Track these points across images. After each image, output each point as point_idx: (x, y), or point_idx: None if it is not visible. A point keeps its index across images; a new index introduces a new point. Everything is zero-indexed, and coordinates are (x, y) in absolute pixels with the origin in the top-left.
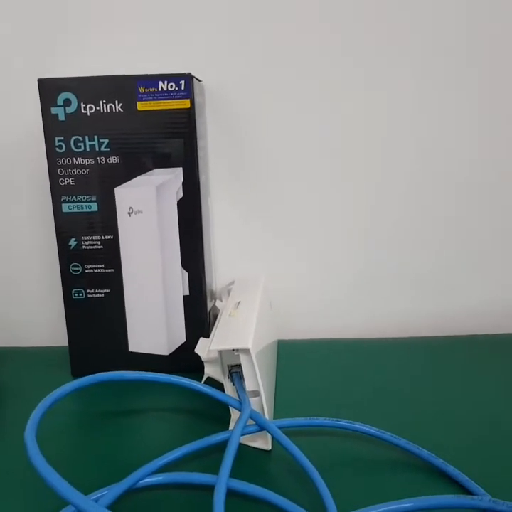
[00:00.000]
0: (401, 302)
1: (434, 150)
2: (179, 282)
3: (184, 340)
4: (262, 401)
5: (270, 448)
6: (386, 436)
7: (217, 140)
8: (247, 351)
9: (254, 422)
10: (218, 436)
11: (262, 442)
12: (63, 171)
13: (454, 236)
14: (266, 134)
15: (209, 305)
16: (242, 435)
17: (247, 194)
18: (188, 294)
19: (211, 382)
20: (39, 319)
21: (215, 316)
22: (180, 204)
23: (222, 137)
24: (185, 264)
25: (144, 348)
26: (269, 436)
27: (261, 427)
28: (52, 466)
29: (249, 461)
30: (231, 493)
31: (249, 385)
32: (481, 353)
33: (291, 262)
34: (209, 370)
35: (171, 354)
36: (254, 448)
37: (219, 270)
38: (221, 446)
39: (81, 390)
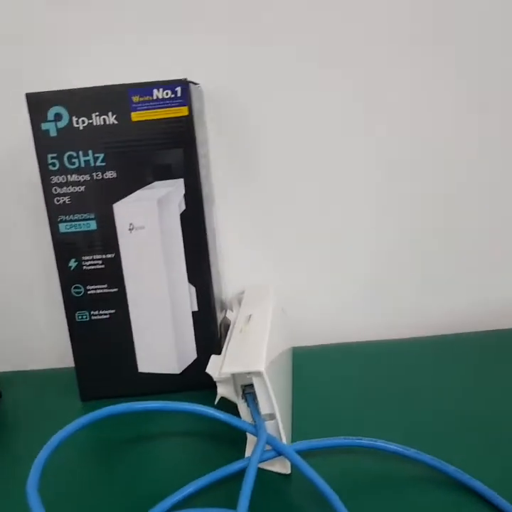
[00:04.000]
0: (414, 302)
1: (439, 151)
2: (187, 298)
3: (195, 356)
4: (279, 425)
5: (289, 472)
6: (409, 452)
7: (219, 146)
8: (259, 374)
9: (271, 447)
10: (235, 466)
11: (280, 466)
12: (58, 190)
13: (465, 234)
14: (270, 137)
15: (219, 317)
16: (260, 462)
17: (254, 200)
18: (196, 309)
19: (225, 401)
20: (44, 342)
21: (226, 327)
22: (184, 217)
23: (224, 142)
24: (191, 279)
25: (154, 368)
26: (287, 460)
27: (278, 453)
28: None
29: (268, 486)
30: None
31: (263, 408)
32: (503, 349)
33: (301, 266)
34: (222, 391)
35: (182, 372)
36: (273, 472)
37: (229, 279)
38: (239, 473)
39: (86, 426)
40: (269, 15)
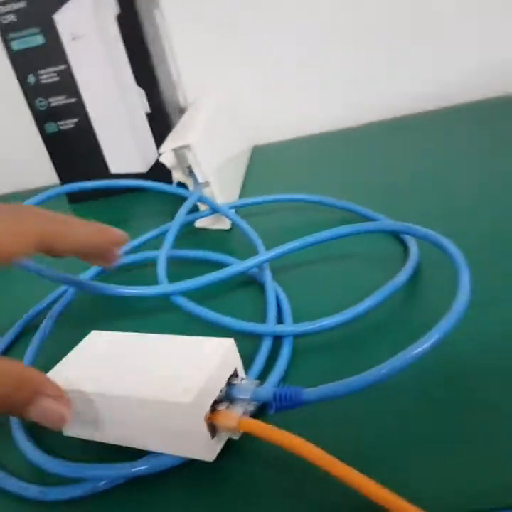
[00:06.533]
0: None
1: None
2: (138, 100)
3: (157, 156)
4: (213, 189)
5: (229, 227)
6: (327, 200)
7: None
8: (188, 147)
9: (207, 207)
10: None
11: (221, 223)
12: (2, 8)
13: None
14: None
15: (176, 121)
16: (201, 218)
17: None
18: (149, 111)
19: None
20: (33, 164)
21: None
22: (120, 21)
23: None
24: (139, 82)
25: (123, 169)
26: (224, 217)
27: (213, 210)
28: None
29: (211, 239)
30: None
31: (201, 178)
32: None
33: (261, 65)
34: (176, 175)
35: (148, 171)
36: (217, 230)
37: (187, 89)
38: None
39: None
40: None
